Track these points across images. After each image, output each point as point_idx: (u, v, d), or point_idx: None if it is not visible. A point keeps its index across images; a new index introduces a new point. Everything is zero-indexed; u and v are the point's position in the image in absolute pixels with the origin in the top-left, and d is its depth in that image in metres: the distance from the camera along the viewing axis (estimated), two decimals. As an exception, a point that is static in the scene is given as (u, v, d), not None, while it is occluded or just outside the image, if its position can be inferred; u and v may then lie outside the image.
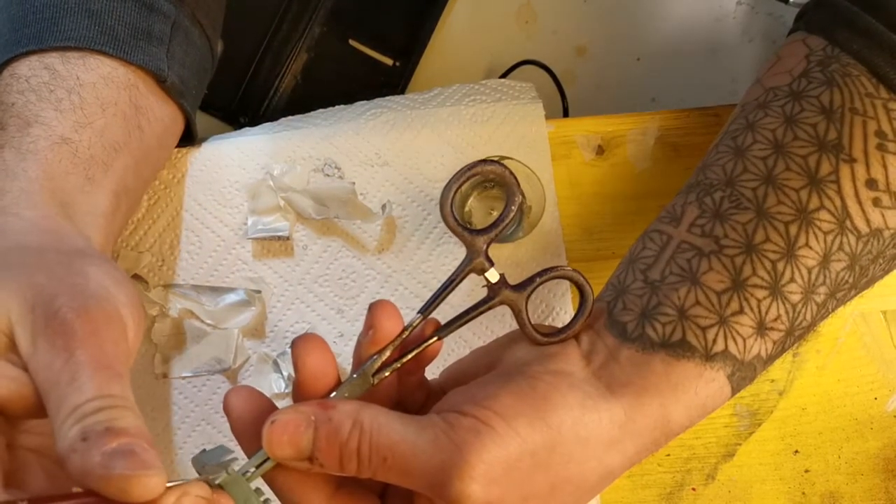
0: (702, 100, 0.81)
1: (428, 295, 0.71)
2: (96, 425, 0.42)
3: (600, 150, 0.77)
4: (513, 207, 0.52)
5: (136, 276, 0.72)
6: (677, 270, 0.54)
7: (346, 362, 0.71)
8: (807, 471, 0.71)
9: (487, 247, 0.53)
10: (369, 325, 0.51)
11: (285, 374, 0.71)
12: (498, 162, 0.53)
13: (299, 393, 0.50)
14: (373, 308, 0.51)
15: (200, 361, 0.71)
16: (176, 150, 0.75)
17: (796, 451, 0.72)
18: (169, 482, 0.43)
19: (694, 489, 0.71)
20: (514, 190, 0.52)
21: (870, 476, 0.71)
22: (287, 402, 0.70)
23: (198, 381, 0.71)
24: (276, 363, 0.71)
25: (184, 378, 0.71)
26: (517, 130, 0.76)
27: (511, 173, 0.53)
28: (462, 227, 0.53)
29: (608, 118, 0.78)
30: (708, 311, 0.52)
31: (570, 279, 0.54)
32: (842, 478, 0.71)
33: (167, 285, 0.72)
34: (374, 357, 0.51)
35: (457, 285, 0.53)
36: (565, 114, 1.04)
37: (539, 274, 0.53)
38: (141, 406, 0.69)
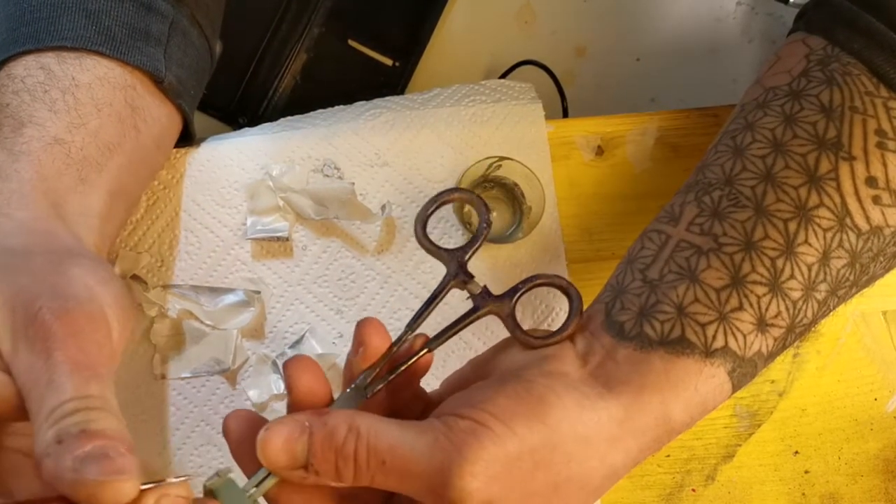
0: (701, 100, 0.81)
1: (427, 295, 0.71)
2: (72, 427, 0.42)
3: (600, 151, 0.77)
4: (485, 226, 0.54)
5: (134, 277, 0.72)
6: (676, 269, 0.53)
7: (344, 362, 0.70)
8: (807, 472, 0.71)
9: (466, 262, 0.54)
10: (359, 342, 0.51)
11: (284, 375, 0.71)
12: (468, 190, 0.55)
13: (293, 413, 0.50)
14: (360, 325, 0.51)
15: (199, 362, 0.71)
16: (174, 150, 0.75)
17: (796, 452, 0.71)
18: (149, 482, 0.43)
19: (694, 490, 0.70)
20: (484, 212, 0.54)
21: (870, 477, 0.71)
22: (285, 403, 0.70)
23: (197, 381, 0.71)
24: (275, 364, 0.71)
25: (183, 379, 0.71)
26: (517, 131, 0.76)
27: (479, 198, 0.55)
28: (437, 248, 0.54)
29: (608, 118, 0.77)
30: (707, 308, 0.52)
31: (554, 285, 0.54)
32: (842, 479, 0.71)
33: (166, 286, 0.72)
34: (366, 373, 0.51)
35: (440, 301, 0.53)
36: (565, 114, 1.04)
37: (523, 283, 0.54)
38: (139, 407, 0.70)
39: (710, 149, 0.59)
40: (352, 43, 1.11)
